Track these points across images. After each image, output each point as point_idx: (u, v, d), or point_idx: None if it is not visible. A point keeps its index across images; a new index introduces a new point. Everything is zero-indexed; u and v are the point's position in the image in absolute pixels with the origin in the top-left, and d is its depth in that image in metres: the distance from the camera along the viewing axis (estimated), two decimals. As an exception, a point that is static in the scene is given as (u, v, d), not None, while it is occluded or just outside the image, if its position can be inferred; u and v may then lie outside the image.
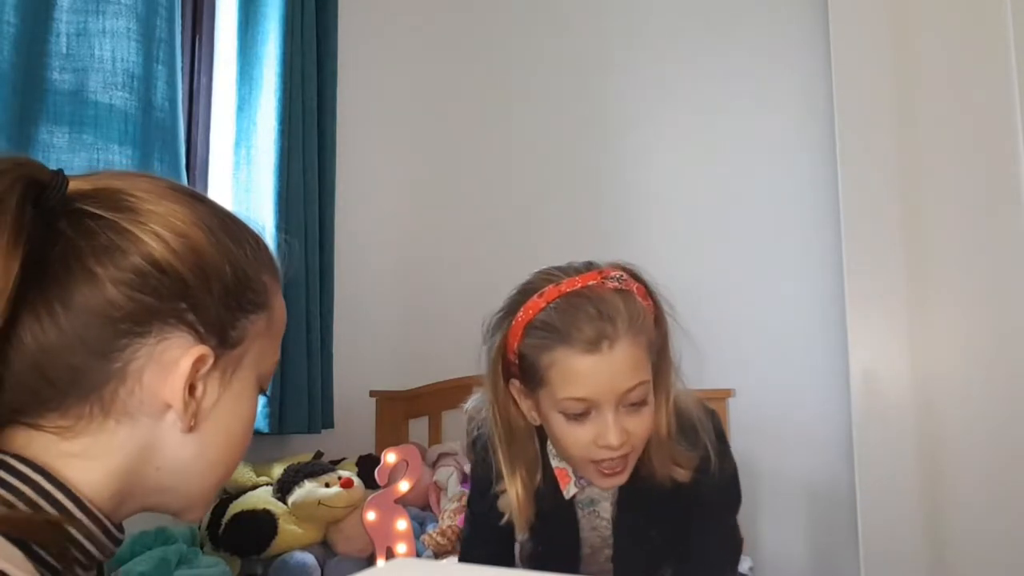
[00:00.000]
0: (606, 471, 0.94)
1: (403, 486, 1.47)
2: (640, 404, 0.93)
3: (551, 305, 0.92)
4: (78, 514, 0.56)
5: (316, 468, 1.78)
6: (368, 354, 2.45)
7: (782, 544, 2.08)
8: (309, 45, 2.16)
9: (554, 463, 1.03)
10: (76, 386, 0.57)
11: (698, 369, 2.09)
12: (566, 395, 0.91)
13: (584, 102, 2.45)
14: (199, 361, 0.60)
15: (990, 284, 1.84)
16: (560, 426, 0.94)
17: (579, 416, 0.92)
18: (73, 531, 0.56)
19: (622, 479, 0.96)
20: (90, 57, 1.53)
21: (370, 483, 1.69)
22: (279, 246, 0.74)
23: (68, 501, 0.56)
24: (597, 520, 1.08)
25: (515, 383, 0.98)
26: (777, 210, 2.19)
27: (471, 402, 1.10)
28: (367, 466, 1.89)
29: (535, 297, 0.94)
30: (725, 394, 1.98)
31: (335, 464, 1.94)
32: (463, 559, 1.18)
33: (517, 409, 1.00)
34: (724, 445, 1.07)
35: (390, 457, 1.47)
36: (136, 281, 0.58)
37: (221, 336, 0.62)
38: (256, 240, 0.68)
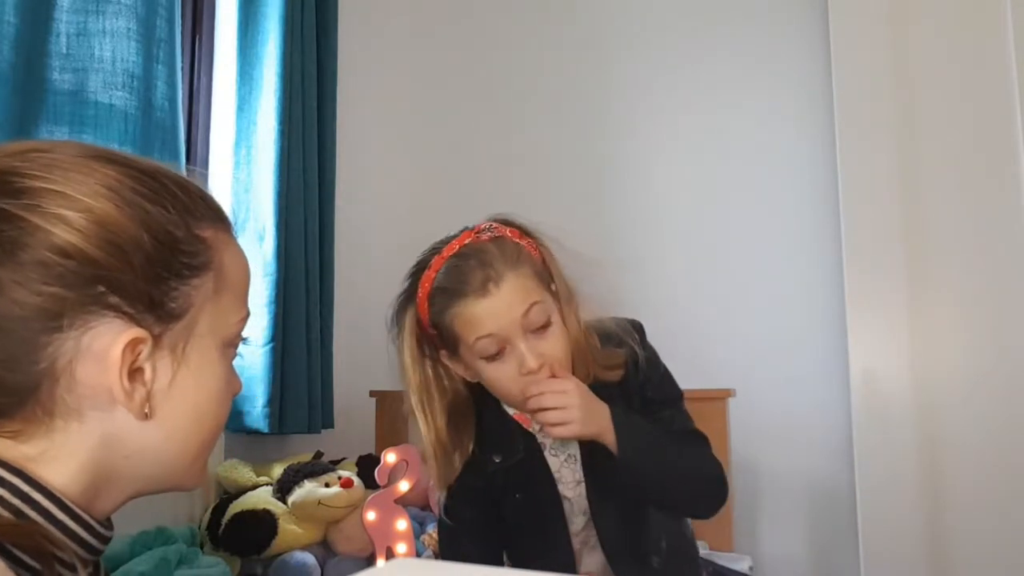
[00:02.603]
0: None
1: (403, 486, 1.47)
2: (545, 326, 0.99)
3: (439, 272, 1.03)
4: (59, 514, 0.55)
5: (316, 468, 1.78)
6: (368, 354, 2.44)
7: (782, 544, 2.08)
8: (309, 45, 2.16)
9: (511, 412, 1.08)
10: (6, 392, 0.54)
11: (698, 369, 2.10)
12: (475, 337, 0.98)
13: (585, 102, 2.45)
14: (134, 345, 0.55)
15: (990, 284, 1.84)
16: (488, 372, 1.01)
17: (496, 355, 0.99)
18: (54, 531, 0.54)
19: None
20: (90, 57, 1.53)
21: (370, 483, 1.69)
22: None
23: (47, 501, 0.54)
24: (572, 465, 1.09)
25: (444, 353, 1.06)
26: (777, 210, 2.18)
27: None
28: (367, 466, 1.89)
29: (427, 271, 1.04)
30: (725, 394, 1.98)
31: (335, 464, 1.93)
32: (445, 530, 1.16)
33: (445, 381, 1.07)
34: (646, 342, 1.11)
35: (390, 457, 1.47)
36: (39, 273, 0.52)
37: (157, 312, 0.57)
38: (185, 191, 0.60)
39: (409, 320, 1.07)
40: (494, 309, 0.97)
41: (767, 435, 2.10)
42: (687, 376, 2.03)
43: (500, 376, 1.00)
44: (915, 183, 1.92)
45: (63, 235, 0.53)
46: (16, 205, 0.53)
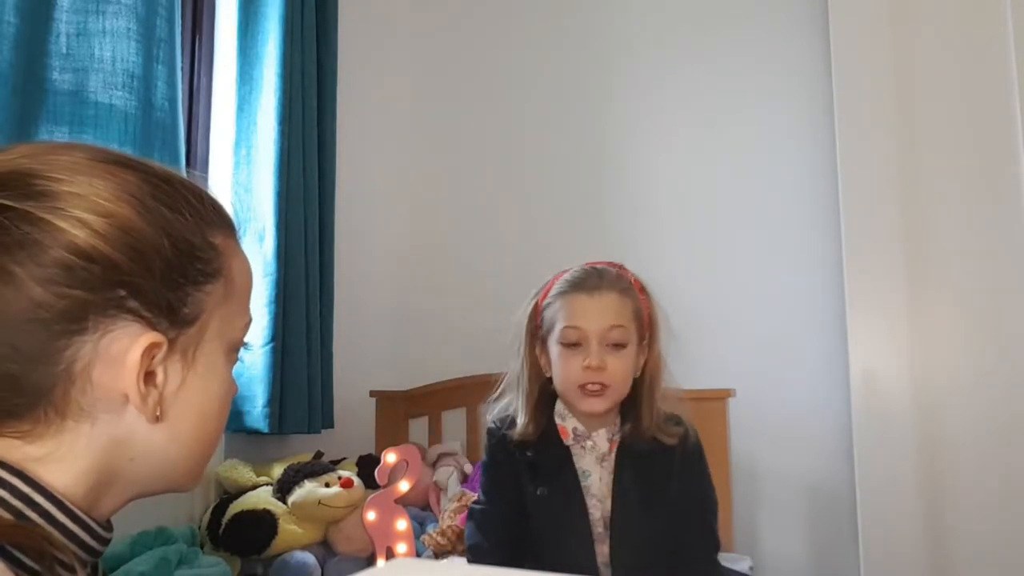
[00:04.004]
0: (589, 392, 1.19)
1: (403, 486, 1.47)
2: (620, 346, 1.19)
3: (569, 272, 1.26)
4: (59, 516, 0.54)
5: (316, 468, 1.79)
6: (368, 354, 2.45)
7: (782, 544, 2.08)
8: (309, 45, 2.16)
9: (557, 420, 1.26)
10: (21, 393, 0.54)
11: (698, 369, 2.10)
12: (565, 324, 1.20)
13: (585, 102, 2.45)
14: (152, 349, 0.56)
15: (990, 284, 1.84)
16: (561, 358, 1.21)
17: (573, 345, 1.19)
18: (54, 533, 0.54)
19: (600, 404, 1.20)
20: (90, 57, 1.53)
21: (370, 483, 1.69)
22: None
23: (47, 503, 0.54)
24: (592, 490, 1.26)
25: (539, 344, 1.26)
26: (777, 210, 2.19)
27: (493, 415, 1.32)
28: (367, 466, 1.90)
29: (564, 272, 1.27)
30: (725, 394, 1.98)
31: (335, 464, 1.94)
32: (479, 526, 1.30)
33: (540, 369, 1.27)
34: (700, 445, 1.28)
35: (390, 457, 1.47)
36: (62, 275, 0.53)
37: (172, 317, 0.57)
38: (199, 198, 0.61)
39: (532, 307, 1.27)
40: (589, 308, 1.20)
41: (767, 435, 2.10)
42: (687, 376, 2.03)
43: (568, 364, 1.20)
44: (915, 183, 1.92)
45: (86, 238, 0.53)
46: (39, 207, 0.53)
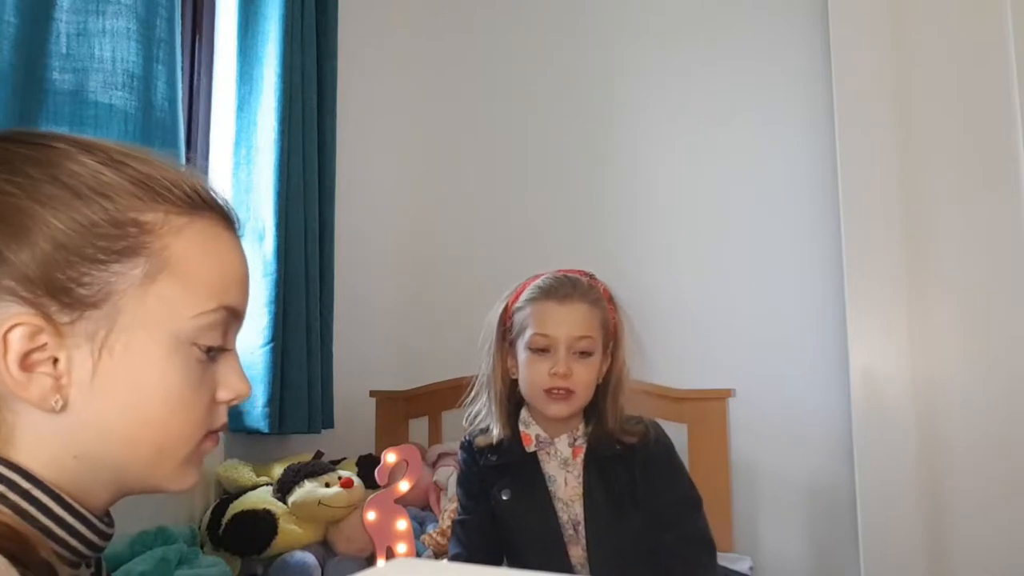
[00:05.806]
0: (554, 396, 1.21)
1: (403, 486, 1.47)
2: (587, 354, 1.22)
3: (541, 278, 1.28)
4: (59, 511, 0.54)
5: (316, 468, 1.79)
6: (368, 354, 2.45)
7: (782, 544, 2.08)
8: (309, 45, 2.16)
9: (521, 428, 1.29)
10: None
11: (698, 369, 2.10)
12: (535, 331, 1.22)
13: (587, 104, 2.45)
14: (33, 333, 0.52)
15: (990, 284, 1.83)
16: (529, 362, 1.23)
17: (541, 351, 1.22)
18: (57, 529, 0.54)
19: (565, 409, 1.22)
20: (90, 57, 1.53)
21: (370, 483, 1.69)
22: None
23: (47, 498, 0.54)
24: (559, 494, 1.28)
25: (507, 346, 1.28)
26: (777, 211, 2.18)
27: (468, 421, 1.35)
28: (367, 466, 1.90)
29: (536, 278, 1.29)
30: (725, 394, 1.98)
31: (335, 464, 1.94)
32: (458, 537, 1.33)
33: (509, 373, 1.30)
34: (664, 435, 1.28)
35: (390, 457, 1.47)
36: None
37: (63, 298, 0.53)
38: (141, 174, 0.56)
39: (503, 310, 1.29)
40: (560, 316, 1.22)
41: (767, 435, 2.10)
42: (687, 376, 2.04)
43: (535, 369, 1.22)
44: (915, 183, 1.91)
45: None
46: None
